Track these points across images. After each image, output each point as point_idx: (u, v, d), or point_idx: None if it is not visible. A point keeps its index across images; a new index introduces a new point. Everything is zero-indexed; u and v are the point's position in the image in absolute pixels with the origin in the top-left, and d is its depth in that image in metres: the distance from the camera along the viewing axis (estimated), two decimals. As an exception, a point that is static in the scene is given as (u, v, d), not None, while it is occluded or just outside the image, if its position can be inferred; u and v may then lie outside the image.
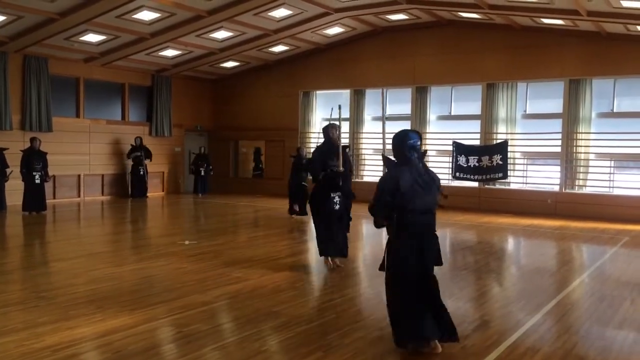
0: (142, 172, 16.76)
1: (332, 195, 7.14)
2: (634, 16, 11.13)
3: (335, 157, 7.14)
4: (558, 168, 14.16)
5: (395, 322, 4.51)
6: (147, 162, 16.90)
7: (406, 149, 4.44)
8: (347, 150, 7.74)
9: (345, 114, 17.00)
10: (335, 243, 7.26)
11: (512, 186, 14.87)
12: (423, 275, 4.44)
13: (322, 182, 7.20)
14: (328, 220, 7.22)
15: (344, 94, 17.44)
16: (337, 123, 7.62)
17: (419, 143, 4.49)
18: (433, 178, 4.53)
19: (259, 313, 5.38)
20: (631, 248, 9.54)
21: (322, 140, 7.52)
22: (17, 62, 14.52)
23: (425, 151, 4.83)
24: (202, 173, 17.91)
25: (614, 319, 5.42)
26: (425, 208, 4.44)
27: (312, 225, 7.64)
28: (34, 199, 12.77)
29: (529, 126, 14.80)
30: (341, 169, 7.13)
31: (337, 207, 7.19)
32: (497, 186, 14.97)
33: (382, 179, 4.53)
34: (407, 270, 4.42)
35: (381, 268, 4.62)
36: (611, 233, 11.06)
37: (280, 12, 13.58)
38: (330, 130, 7.32)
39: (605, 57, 13.36)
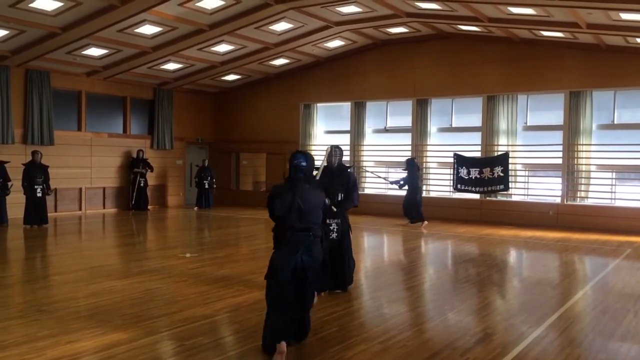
0: (142, 185, 16.80)
1: (327, 221, 6.45)
2: (633, 28, 11.19)
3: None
4: (559, 180, 14.15)
5: (264, 327, 4.73)
6: (148, 173, 16.95)
7: (291, 168, 4.77)
8: (350, 170, 7.02)
9: (346, 126, 17.19)
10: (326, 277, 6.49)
11: (514, 198, 14.86)
12: (296, 290, 4.68)
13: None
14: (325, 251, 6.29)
15: (345, 107, 17.52)
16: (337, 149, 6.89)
17: (303, 164, 4.75)
18: (315, 198, 4.80)
19: (260, 326, 5.33)
20: (634, 260, 9.50)
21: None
22: (19, 76, 14.60)
23: (314, 173, 5.15)
24: (206, 186, 17.84)
25: (617, 331, 5.40)
26: (303, 226, 4.70)
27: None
28: (36, 213, 12.78)
29: (529, 138, 14.83)
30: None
31: (335, 235, 6.62)
32: (499, 198, 14.96)
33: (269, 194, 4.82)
34: (278, 282, 4.65)
35: (265, 277, 4.84)
36: (613, 245, 11.03)
37: (281, 26, 13.67)
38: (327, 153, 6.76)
39: (605, 69, 13.40)
